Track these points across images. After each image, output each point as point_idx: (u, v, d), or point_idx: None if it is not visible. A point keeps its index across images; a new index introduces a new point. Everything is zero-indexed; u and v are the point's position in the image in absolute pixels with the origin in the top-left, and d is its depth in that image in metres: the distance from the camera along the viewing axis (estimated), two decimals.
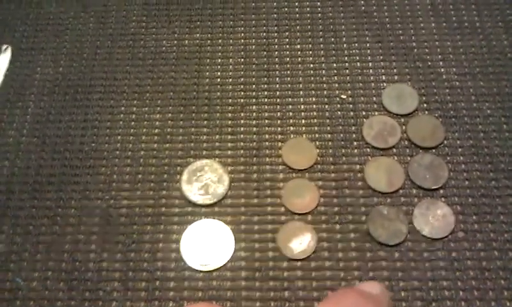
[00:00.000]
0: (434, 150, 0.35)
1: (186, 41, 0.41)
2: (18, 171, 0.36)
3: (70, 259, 0.33)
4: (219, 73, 0.39)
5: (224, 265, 0.32)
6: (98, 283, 0.32)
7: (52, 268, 0.33)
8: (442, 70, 0.38)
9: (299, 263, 0.32)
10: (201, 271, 0.32)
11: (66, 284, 0.32)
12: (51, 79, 0.39)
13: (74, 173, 0.36)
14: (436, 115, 0.36)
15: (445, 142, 0.35)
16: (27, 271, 0.33)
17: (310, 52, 0.40)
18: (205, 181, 0.35)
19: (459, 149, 0.35)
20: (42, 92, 0.39)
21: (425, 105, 0.37)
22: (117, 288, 0.32)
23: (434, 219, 0.33)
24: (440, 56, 0.39)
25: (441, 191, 0.34)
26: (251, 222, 0.34)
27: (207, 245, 0.33)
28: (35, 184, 0.36)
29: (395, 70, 0.38)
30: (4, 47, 0.41)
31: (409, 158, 0.35)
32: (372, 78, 0.38)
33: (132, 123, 0.38)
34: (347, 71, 0.39)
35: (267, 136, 0.37)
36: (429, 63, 0.38)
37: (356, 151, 0.36)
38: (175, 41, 0.41)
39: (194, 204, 0.34)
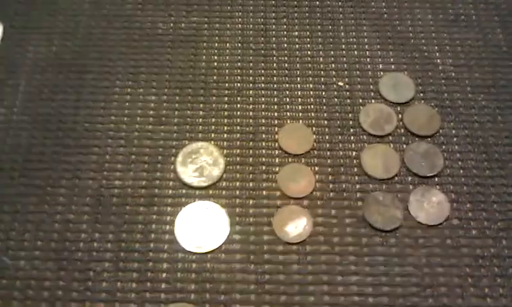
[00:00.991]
0: (429, 139, 0.35)
1: (183, 24, 0.40)
2: (8, 148, 0.35)
3: (59, 239, 0.32)
4: (215, 57, 0.39)
5: (219, 247, 0.32)
6: (89, 263, 0.32)
7: (40, 248, 0.32)
8: (438, 60, 0.38)
9: (294, 247, 0.32)
10: (195, 253, 0.32)
11: (55, 264, 0.32)
12: (44, 58, 0.39)
13: (66, 152, 0.35)
14: (432, 104, 0.37)
15: (441, 131, 0.36)
16: (14, 250, 0.32)
17: (308, 39, 0.39)
18: (200, 163, 0.35)
19: (455, 139, 0.35)
20: (35, 70, 0.38)
21: (421, 94, 0.37)
22: (108, 268, 0.31)
23: (429, 206, 0.33)
24: (436, 47, 0.39)
25: (437, 179, 0.34)
26: (246, 205, 0.33)
27: (201, 228, 0.33)
28: (25, 162, 0.35)
29: (392, 59, 0.38)
30: None
31: (405, 145, 0.35)
32: (369, 66, 0.38)
33: (127, 103, 0.37)
34: (345, 59, 0.39)
35: (263, 121, 0.36)
36: (426, 54, 0.39)
37: (352, 138, 0.36)
38: (172, 24, 0.40)
39: (189, 187, 0.34)
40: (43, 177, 0.34)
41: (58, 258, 0.32)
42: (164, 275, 0.31)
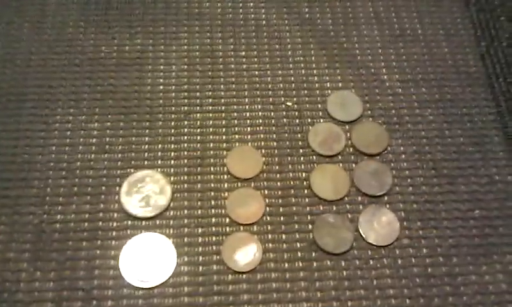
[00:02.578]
0: (378, 157, 0.35)
1: (127, 47, 0.39)
2: None
3: None
4: (161, 80, 0.38)
5: (166, 281, 0.31)
6: (30, 305, 0.30)
7: None
8: (385, 76, 0.38)
9: (244, 276, 0.31)
10: (141, 288, 0.31)
11: None
12: None
13: (5, 186, 0.33)
14: (380, 122, 0.36)
15: (389, 148, 0.35)
16: None
17: (255, 59, 0.39)
18: (146, 192, 0.34)
19: (403, 156, 0.35)
20: None
21: (369, 112, 0.37)
22: None
23: (380, 225, 0.33)
24: (382, 63, 0.39)
25: (386, 197, 0.34)
26: (194, 234, 0.32)
27: (147, 261, 0.31)
28: None
29: (339, 77, 0.38)
30: None
31: (354, 165, 0.35)
32: (316, 85, 0.38)
33: (68, 132, 0.36)
34: (292, 78, 0.38)
35: (211, 145, 0.35)
36: (372, 70, 0.38)
37: (302, 158, 0.35)
38: (115, 47, 0.39)
39: (134, 218, 0.33)
40: None
41: None
42: None
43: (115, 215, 0.33)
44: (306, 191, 0.34)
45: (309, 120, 0.36)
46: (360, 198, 0.34)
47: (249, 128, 0.36)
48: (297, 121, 0.36)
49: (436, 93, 0.38)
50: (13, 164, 0.34)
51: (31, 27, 0.40)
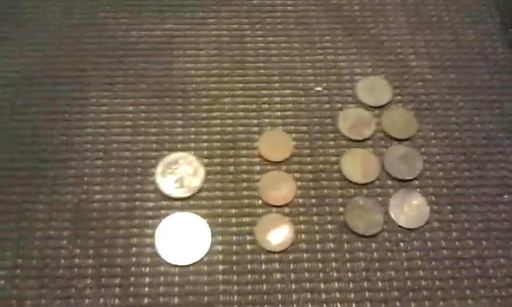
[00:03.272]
0: (408, 142, 0.36)
1: (157, 32, 0.40)
2: None
3: (39, 256, 0.32)
4: (191, 65, 0.38)
5: (201, 259, 0.32)
6: (70, 280, 0.31)
7: (20, 266, 0.31)
8: (414, 63, 0.39)
9: (277, 256, 0.32)
10: (177, 266, 0.32)
11: (36, 282, 0.31)
12: (15, 70, 0.38)
13: (43, 167, 0.34)
14: (410, 107, 0.37)
15: (419, 133, 0.36)
16: None
17: (284, 44, 0.39)
18: (180, 174, 0.34)
19: (433, 141, 0.36)
20: (6, 83, 0.37)
21: (398, 97, 0.37)
22: (90, 284, 0.31)
23: (410, 209, 0.33)
24: (411, 50, 0.39)
25: (416, 182, 0.34)
26: (227, 215, 0.33)
27: (182, 239, 0.32)
28: (1, 179, 0.34)
29: (368, 63, 0.39)
30: None
31: (384, 149, 0.35)
32: (345, 70, 0.38)
33: (104, 115, 0.36)
34: (322, 64, 0.39)
35: (242, 128, 0.36)
36: (401, 57, 0.39)
37: (331, 142, 0.36)
38: (145, 32, 0.40)
39: (169, 198, 0.34)
40: (21, 193, 0.33)
41: (39, 276, 0.31)
42: (146, 289, 0.31)
43: (151, 195, 0.34)
44: (336, 175, 0.34)
45: (339, 105, 0.37)
46: (390, 182, 0.34)
47: (279, 113, 0.37)
48: (327, 106, 0.37)
49: (465, 80, 0.38)
50: (50, 145, 0.35)
51: (61, 12, 0.40)
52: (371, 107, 0.37)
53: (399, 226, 0.33)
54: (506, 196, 0.34)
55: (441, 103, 0.37)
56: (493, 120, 0.36)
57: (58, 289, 0.31)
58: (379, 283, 0.31)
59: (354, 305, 0.31)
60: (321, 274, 0.31)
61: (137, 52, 0.39)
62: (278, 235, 0.32)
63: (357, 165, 0.35)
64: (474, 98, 0.37)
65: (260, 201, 0.34)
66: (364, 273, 0.32)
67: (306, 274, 0.31)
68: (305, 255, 0.32)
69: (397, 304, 0.31)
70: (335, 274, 0.31)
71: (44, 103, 0.37)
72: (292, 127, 0.36)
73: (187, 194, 0.34)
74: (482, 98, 0.37)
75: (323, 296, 0.31)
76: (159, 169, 0.34)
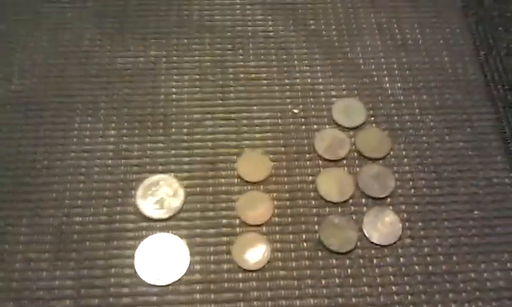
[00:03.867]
0: (381, 161, 0.37)
1: (141, 59, 0.41)
2: None
3: (20, 278, 0.32)
4: (174, 90, 0.40)
5: (180, 278, 0.32)
6: (50, 302, 0.32)
7: (0, 288, 0.32)
8: (388, 85, 0.40)
9: (254, 274, 0.33)
10: (156, 286, 0.32)
11: (16, 303, 0.32)
12: (1, 97, 0.39)
13: (25, 191, 0.35)
14: (383, 127, 0.38)
15: (392, 153, 0.37)
16: None
17: (263, 69, 0.41)
18: (160, 195, 0.35)
19: (405, 160, 0.37)
20: None
21: (372, 118, 0.38)
22: (69, 306, 0.32)
23: (383, 226, 0.34)
24: (385, 72, 0.41)
25: (389, 200, 0.35)
26: (206, 235, 0.34)
27: (161, 260, 0.33)
28: None
29: (343, 86, 0.40)
30: None
31: (358, 169, 0.36)
32: (322, 93, 0.40)
33: (86, 139, 0.37)
34: (299, 87, 0.40)
35: (222, 150, 0.37)
36: (376, 79, 0.40)
37: (308, 163, 0.37)
38: (130, 59, 0.41)
39: (149, 219, 0.34)
40: (3, 216, 0.34)
41: (19, 298, 0.32)
42: None
43: (131, 217, 0.35)
44: (312, 194, 0.35)
45: (315, 126, 0.38)
46: (364, 200, 0.35)
47: (258, 135, 0.38)
48: (303, 127, 0.38)
49: (436, 100, 0.39)
50: (33, 169, 0.36)
51: (48, 39, 0.42)
52: (346, 128, 0.38)
53: (372, 242, 0.34)
54: (476, 212, 0.35)
55: (412, 123, 0.38)
56: (464, 139, 0.38)
57: None
58: (353, 299, 0.32)
59: None
60: (297, 291, 0.32)
61: (122, 78, 0.40)
62: (255, 253, 0.33)
63: (332, 184, 0.36)
64: (445, 118, 0.38)
65: (237, 221, 0.34)
66: (338, 289, 0.32)
67: (283, 292, 0.32)
68: (281, 272, 0.33)
69: None
70: (310, 291, 0.32)
71: (28, 128, 0.38)
72: (271, 148, 0.37)
73: (167, 215, 0.35)
74: (453, 117, 0.39)
75: None
76: (139, 191, 0.35)
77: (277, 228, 0.34)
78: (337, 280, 0.32)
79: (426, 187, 0.36)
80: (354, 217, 0.34)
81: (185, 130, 0.38)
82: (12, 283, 0.32)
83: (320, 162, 0.37)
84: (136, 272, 0.33)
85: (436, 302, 0.32)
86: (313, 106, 0.39)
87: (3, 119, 0.38)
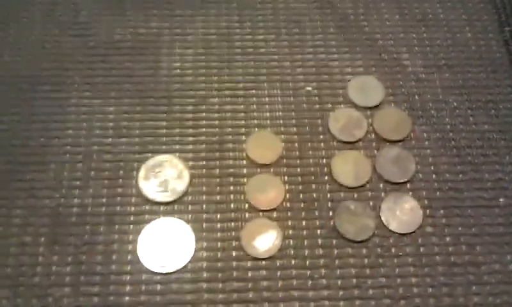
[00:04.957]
0: (400, 143, 0.34)
1: (142, 30, 0.38)
2: None
3: (15, 264, 0.30)
4: (178, 64, 0.37)
5: (185, 266, 0.31)
6: (47, 289, 0.30)
7: None
8: (407, 62, 0.37)
9: (264, 262, 0.31)
10: (159, 273, 0.30)
11: (11, 290, 0.30)
12: None
13: (20, 170, 0.33)
14: (403, 108, 0.36)
15: (412, 135, 0.35)
16: None
17: (273, 43, 0.38)
18: (163, 177, 0.33)
19: (426, 142, 0.34)
20: None
21: (391, 97, 0.36)
22: (67, 293, 0.30)
23: (402, 213, 0.32)
24: (405, 48, 0.38)
25: (409, 185, 0.33)
26: (213, 220, 0.32)
27: (165, 246, 0.31)
28: None
29: (360, 62, 0.37)
30: None
31: (375, 151, 0.34)
32: (337, 70, 0.37)
33: (84, 116, 0.35)
34: (312, 62, 0.37)
35: (229, 130, 0.35)
36: (395, 55, 0.38)
37: (322, 144, 0.34)
38: (130, 29, 0.38)
39: (152, 202, 0.32)
40: None
41: (14, 285, 0.30)
42: (126, 298, 0.30)
43: (133, 199, 0.32)
44: (326, 177, 0.33)
45: (329, 105, 0.36)
46: (381, 185, 0.33)
47: (268, 113, 0.35)
48: (317, 106, 0.36)
49: (459, 79, 0.37)
50: (28, 147, 0.34)
51: (42, 11, 0.39)
52: (363, 107, 0.36)
53: (391, 230, 0.31)
54: (501, 199, 0.33)
55: (434, 104, 0.36)
56: (488, 121, 0.35)
57: (34, 298, 0.30)
58: (370, 291, 0.30)
59: None
60: (310, 282, 0.30)
61: (121, 50, 0.38)
62: (265, 240, 0.31)
63: (348, 167, 0.33)
64: (469, 98, 0.36)
65: (246, 205, 0.32)
66: (354, 280, 0.30)
67: (294, 282, 0.30)
68: (293, 261, 0.31)
69: None
70: (324, 282, 0.30)
71: (23, 104, 0.35)
72: (281, 128, 0.35)
73: (171, 198, 0.32)
74: (477, 98, 0.36)
75: (312, 305, 0.30)
76: (141, 173, 0.33)
77: (289, 214, 0.32)
78: (353, 270, 0.30)
79: (448, 171, 0.33)
80: (371, 203, 0.32)
81: (189, 107, 0.36)
82: (7, 268, 0.30)
83: (334, 143, 0.34)
84: (138, 258, 0.31)
85: (458, 295, 0.30)
86: (327, 84, 0.37)
87: None
